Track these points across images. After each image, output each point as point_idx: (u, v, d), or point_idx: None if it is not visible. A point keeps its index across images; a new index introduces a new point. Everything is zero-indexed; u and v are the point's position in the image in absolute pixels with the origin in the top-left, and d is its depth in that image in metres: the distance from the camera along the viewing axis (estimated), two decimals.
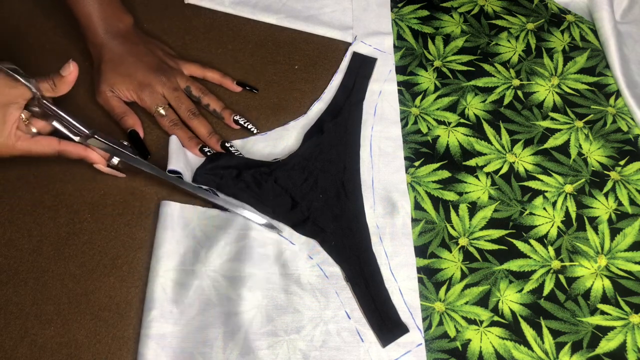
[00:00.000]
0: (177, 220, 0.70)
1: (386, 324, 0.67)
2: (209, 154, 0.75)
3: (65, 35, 0.85)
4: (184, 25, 0.88)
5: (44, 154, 0.68)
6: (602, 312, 0.69)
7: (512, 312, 0.68)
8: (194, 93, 0.79)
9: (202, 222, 0.71)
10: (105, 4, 0.77)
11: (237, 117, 0.78)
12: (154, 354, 0.63)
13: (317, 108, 0.81)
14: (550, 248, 0.72)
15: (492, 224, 0.74)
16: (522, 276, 0.71)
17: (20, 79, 0.66)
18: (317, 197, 0.73)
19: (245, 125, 0.78)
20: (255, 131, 0.78)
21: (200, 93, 0.79)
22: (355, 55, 0.86)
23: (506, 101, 0.84)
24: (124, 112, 0.76)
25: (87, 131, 0.70)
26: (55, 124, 0.69)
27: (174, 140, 0.75)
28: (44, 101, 0.68)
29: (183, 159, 0.74)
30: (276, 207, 0.73)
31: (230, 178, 0.74)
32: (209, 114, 0.80)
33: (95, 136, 0.70)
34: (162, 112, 0.76)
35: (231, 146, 0.76)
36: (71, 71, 0.68)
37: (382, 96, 0.83)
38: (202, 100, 0.79)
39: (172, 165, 0.72)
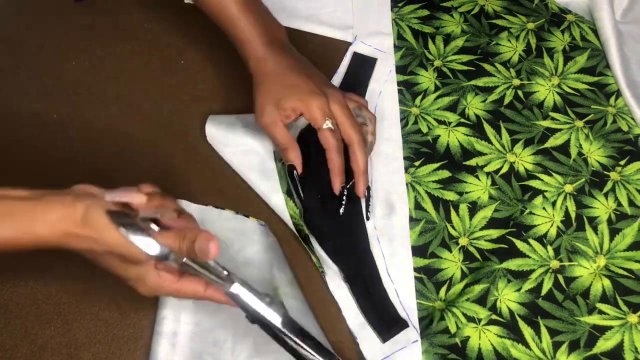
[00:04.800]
0: None
1: (385, 320, 0.67)
2: (345, 196, 0.70)
3: None
4: (184, 25, 0.88)
5: (189, 297, 0.60)
6: (600, 312, 0.68)
7: (510, 311, 0.68)
8: (365, 114, 0.73)
9: (216, 224, 0.71)
10: (262, 16, 0.74)
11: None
12: (164, 351, 0.63)
13: None
14: (549, 247, 0.72)
15: (492, 223, 0.74)
16: (521, 275, 0.71)
17: (140, 248, 0.54)
18: (315, 197, 0.73)
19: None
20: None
21: (370, 116, 0.73)
22: (356, 55, 0.86)
23: (506, 101, 0.84)
24: (286, 143, 0.70)
25: (224, 273, 0.58)
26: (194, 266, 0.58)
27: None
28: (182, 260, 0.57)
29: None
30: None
31: None
32: None
33: (236, 283, 0.57)
34: (332, 126, 0.68)
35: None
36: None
37: (382, 97, 0.83)
38: (368, 128, 0.73)
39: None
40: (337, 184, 0.70)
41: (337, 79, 0.84)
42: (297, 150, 0.70)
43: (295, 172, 0.70)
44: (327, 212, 0.73)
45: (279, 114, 0.68)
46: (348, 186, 0.71)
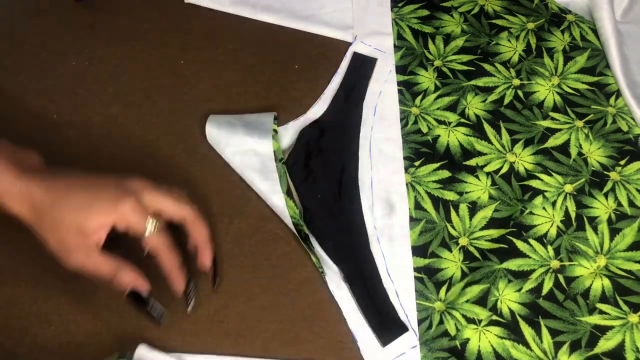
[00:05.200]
0: None
1: (385, 323, 0.67)
2: (192, 292, 0.62)
3: None
4: (184, 25, 0.88)
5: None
6: (601, 312, 0.69)
7: (511, 312, 0.68)
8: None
9: None
10: (5, 147, 0.59)
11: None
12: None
13: (317, 108, 0.81)
14: (549, 247, 0.72)
15: (492, 223, 0.74)
16: (521, 275, 0.71)
17: None
18: (315, 197, 0.73)
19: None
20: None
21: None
22: (356, 55, 0.86)
23: (506, 101, 0.84)
24: (114, 269, 0.56)
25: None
26: None
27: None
28: None
29: None
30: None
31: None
32: None
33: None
34: (154, 229, 0.57)
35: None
36: None
37: (382, 97, 0.83)
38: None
39: None
40: (179, 284, 0.60)
41: (337, 79, 0.84)
42: (131, 269, 0.57)
43: (143, 294, 0.58)
44: (327, 212, 0.73)
45: (86, 242, 0.55)
46: (191, 284, 0.63)
